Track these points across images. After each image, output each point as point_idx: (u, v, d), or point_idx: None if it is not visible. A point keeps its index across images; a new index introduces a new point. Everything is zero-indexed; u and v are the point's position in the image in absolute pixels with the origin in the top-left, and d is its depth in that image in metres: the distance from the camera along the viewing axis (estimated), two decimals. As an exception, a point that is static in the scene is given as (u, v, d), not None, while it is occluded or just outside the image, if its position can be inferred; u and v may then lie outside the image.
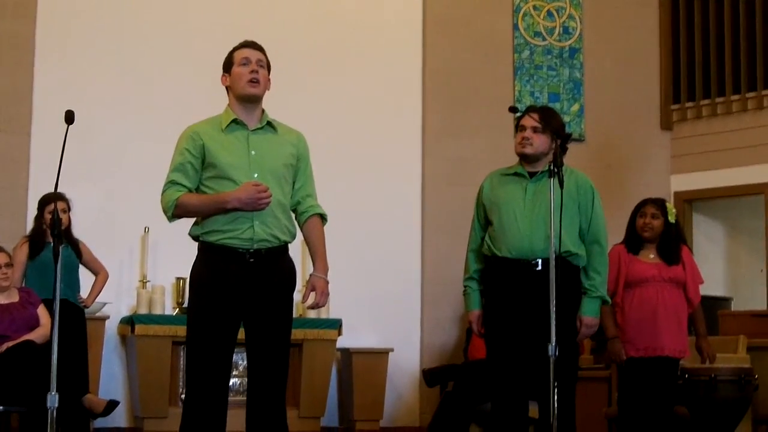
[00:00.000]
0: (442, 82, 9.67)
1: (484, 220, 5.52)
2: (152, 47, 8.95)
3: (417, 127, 9.61)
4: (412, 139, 9.58)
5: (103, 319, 8.25)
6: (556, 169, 4.99)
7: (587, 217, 5.36)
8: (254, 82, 4.62)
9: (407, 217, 9.48)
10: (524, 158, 5.44)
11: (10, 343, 6.48)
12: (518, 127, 5.46)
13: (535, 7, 10.00)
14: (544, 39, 9.99)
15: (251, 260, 4.52)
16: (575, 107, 9.97)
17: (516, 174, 5.45)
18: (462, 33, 9.75)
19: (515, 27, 9.94)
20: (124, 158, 8.73)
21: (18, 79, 8.62)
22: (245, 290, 4.52)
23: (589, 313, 5.33)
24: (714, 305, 8.85)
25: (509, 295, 5.29)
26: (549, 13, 10.04)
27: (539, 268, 5.23)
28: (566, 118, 9.74)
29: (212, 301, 4.52)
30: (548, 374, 4.89)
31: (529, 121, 5.40)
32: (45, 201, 7.20)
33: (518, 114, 5.50)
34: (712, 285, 9.49)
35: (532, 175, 5.40)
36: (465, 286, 5.58)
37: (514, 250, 5.29)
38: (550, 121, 5.40)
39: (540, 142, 5.38)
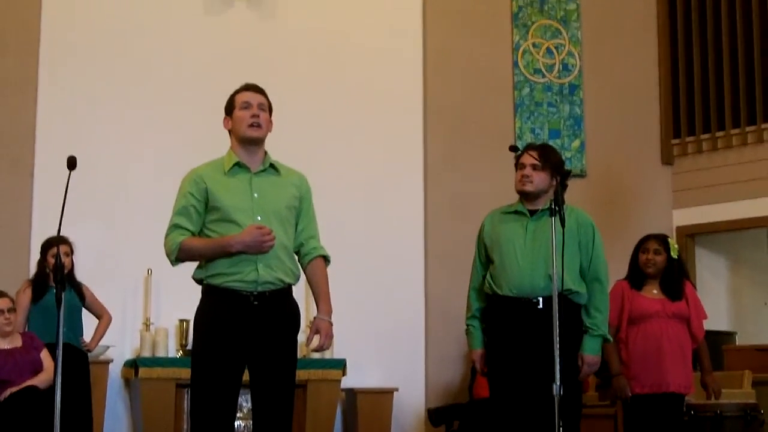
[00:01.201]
0: (443, 119, 9.69)
1: (485, 259, 5.53)
2: (155, 88, 8.98)
3: (419, 163, 9.62)
4: (413, 176, 9.59)
5: (107, 362, 8.22)
6: (557, 208, 4.99)
7: (588, 255, 5.37)
8: (255, 125, 4.64)
9: (410, 254, 9.46)
10: (524, 196, 5.46)
11: (14, 389, 6.47)
12: (518, 165, 5.48)
13: (534, 45, 10.04)
14: (543, 76, 10.03)
15: (255, 303, 4.53)
16: (576, 143, 9.99)
17: (516, 212, 5.46)
18: (462, 70, 9.79)
19: (515, 64, 9.98)
20: (126, 200, 8.74)
21: (21, 119, 8.64)
22: (250, 333, 4.52)
23: (590, 352, 5.33)
24: (718, 340, 8.83)
25: (511, 333, 5.29)
26: (548, 51, 10.08)
27: (540, 306, 5.23)
28: (567, 154, 9.76)
29: (217, 343, 4.52)
30: (552, 413, 4.87)
31: (529, 159, 5.42)
32: (48, 245, 7.20)
33: (518, 152, 5.52)
34: (716, 319, 9.47)
35: (532, 212, 5.41)
36: (467, 325, 5.58)
37: (515, 289, 5.29)
38: (550, 158, 5.42)
39: (540, 180, 5.39)
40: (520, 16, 10.02)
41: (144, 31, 9.05)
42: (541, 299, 5.24)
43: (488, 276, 5.45)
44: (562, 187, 5.26)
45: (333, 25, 9.53)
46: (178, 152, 8.34)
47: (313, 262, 4.75)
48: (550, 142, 8.96)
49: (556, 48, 10.08)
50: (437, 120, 9.68)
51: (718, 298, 10.48)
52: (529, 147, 5.54)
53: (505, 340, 5.33)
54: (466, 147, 9.68)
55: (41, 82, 8.73)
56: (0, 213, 8.49)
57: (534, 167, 5.39)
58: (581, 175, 9.84)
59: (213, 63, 9.03)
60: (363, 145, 9.43)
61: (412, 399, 9.19)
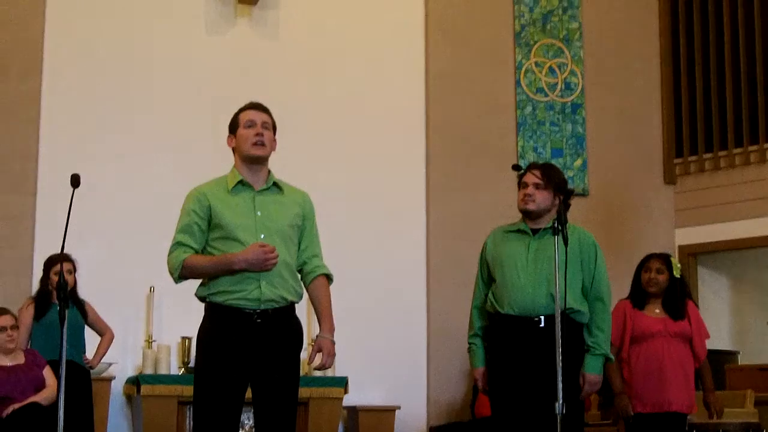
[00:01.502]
0: (446, 138, 9.71)
1: (487, 277, 5.54)
2: (158, 108, 9.01)
3: (421, 182, 9.63)
4: (416, 194, 9.61)
5: (109, 379, 8.23)
6: (560, 227, 5.00)
7: (590, 273, 5.37)
8: (259, 144, 4.65)
9: (412, 273, 9.47)
10: (527, 215, 5.46)
11: (16, 405, 6.47)
12: (520, 184, 5.49)
13: (536, 64, 10.07)
14: (546, 95, 10.06)
15: (258, 320, 4.53)
16: (578, 162, 10.01)
17: (519, 231, 5.47)
18: (465, 89, 9.81)
19: (517, 83, 10.01)
20: (129, 217, 8.75)
21: (24, 139, 8.66)
22: (253, 350, 4.52)
23: (592, 371, 5.33)
24: (720, 359, 8.82)
25: (513, 352, 5.29)
26: (551, 70, 10.11)
27: (542, 325, 5.23)
28: (569, 173, 9.78)
29: (220, 361, 4.52)
30: (554, 431, 4.87)
31: (531, 178, 5.43)
32: (51, 262, 7.21)
33: (520, 172, 5.53)
34: (719, 339, 9.48)
35: (534, 231, 5.42)
36: (469, 343, 5.58)
37: (517, 307, 5.29)
38: (552, 177, 5.43)
39: (542, 199, 5.40)
40: (522, 36, 10.05)
41: (146, 51, 9.08)
42: (542, 318, 5.24)
43: (490, 294, 5.45)
44: (565, 206, 5.27)
45: (335, 44, 9.56)
46: (180, 170, 8.38)
47: (316, 280, 4.75)
48: (553, 161, 8.98)
49: (559, 67, 10.11)
50: (439, 139, 9.70)
51: (720, 317, 10.48)
52: (531, 166, 5.54)
53: (506, 358, 5.33)
54: (469, 166, 9.70)
55: (44, 102, 8.76)
56: (3, 231, 8.51)
57: (537, 186, 5.40)
58: (583, 194, 9.85)
59: (215, 82, 9.06)
60: (365, 165, 9.45)
61: (414, 417, 9.18)
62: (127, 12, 9.10)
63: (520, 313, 5.28)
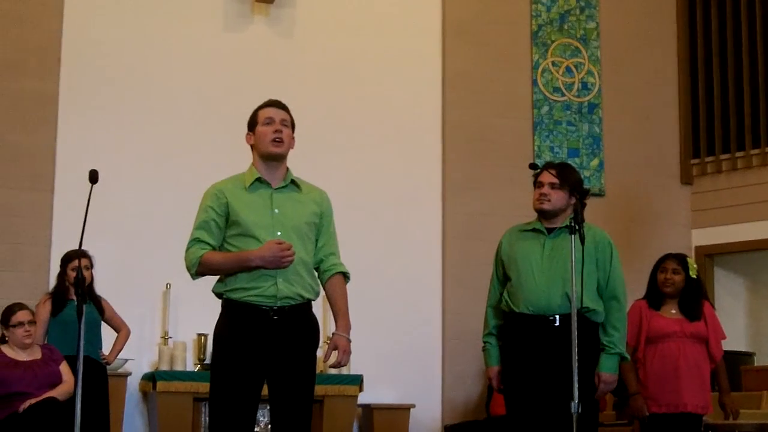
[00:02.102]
0: (462, 138, 9.70)
1: (502, 276, 5.54)
2: (175, 104, 9.04)
3: (437, 181, 9.63)
4: (432, 194, 9.61)
5: (125, 375, 8.26)
6: (577, 226, 5.00)
7: (605, 273, 5.37)
8: (278, 141, 4.66)
9: (428, 272, 9.47)
10: (542, 214, 5.46)
11: (33, 400, 6.49)
12: (536, 183, 5.49)
13: (553, 63, 10.06)
14: (563, 95, 10.04)
15: (275, 317, 4.54)
16: (595, 162, 9.99)
17: (534, 230, 5.47)
18: (481, 89, 9.81)
19: (534, 83, 10.00)
20: (145, 214, 8.78)
21: (42, 137, 8.70)
22: (269, 347, 4.53)
23: (607, 370, 5.32)
24: (736, 360, 8.80)
25: (528, 351, 5.30)
26: (568, 69, 10.10)
27: (557, 324, 5.24)
28: (586, 173, 9.76)
29: (236, 358, 4.53)
30: (568, 430, 4.87)
31: (547, 177, 5.43)
32: (68, 258, 7.24)
33: (537, 170, 5.54)
34: (734, 340, 9.44)
35: (550, 231, 5.42)
36: (484, 342, 5.59)
37: (532, 306, 5.30)
38: (568, 177, 5.43)
39: (557, 198, 5.40)
40: (539, 35, 10.04)
41: (164, 48, 9.11)
42: (557, 317, 5.25)
43: (505, 293, 5.46)
44: (581, 205, 5.27)
45: (351, 43, 9.57)
46: (197, 167, 8.40)
47: (333, 278, 4.76)
48: (569, 161, 8.96)
49: (576, 67, 10.10)
50: (456, 138, 9.69)
51: (736, 318, 10.44)
52: (547, 165, 5.54)
53: (521, 357, 5.33)
54: (485, 165, 9.69)
55: (62, 99, 8.79)
56: (20, 228, 8.55)
57: (552, 186, 5.40)
58: (600, 194, 9.84)
59: (232, 79, 9.09)
60: (381, 164, 9.45)
61: (428, 416, 9.19)
62: (144, 10, 9.13)
63: (535, 312, 5.29)
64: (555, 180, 5.40)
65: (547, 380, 5.20)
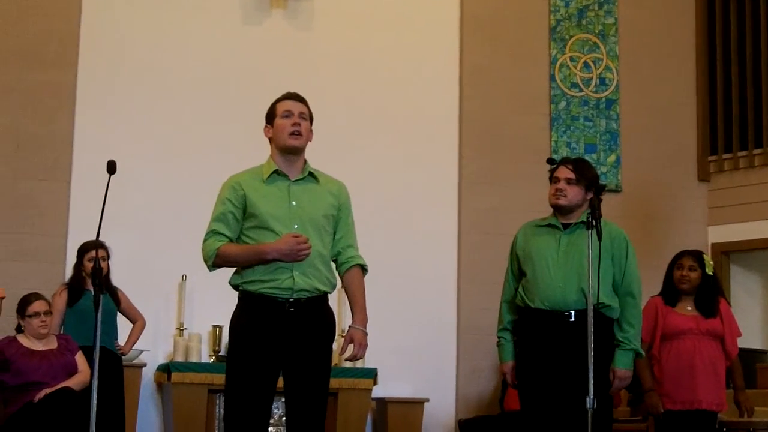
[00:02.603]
0: (479, 133, 9.69)
1: (517, 271, 5.54)
2: (192, 96, 9.05)
3: (453, 176, 9.62)
4: (448, 189, 9.60)
5: (140, 366, 8.28)
6: (594, 222, 4.99)
7: (621, 268, 5.36)
8: (296, 134, 4.66)
9: (443, 267, 9.47)
10: (558, 209, 5.46)
11: (48, 390, 6.51)
12: (552, 179, 5.48)
13: (571, 59, 10.03)
14: (580, 90, 10.02)
15: (291, 310, 4.55)
16: (612, 158, 9.97)
17: (550, 225, 5.46)
18: (499, 84, 9.79)
19: (552, 78, 9.97)
20: (162, 206, 8.81)
21: (59, 127, 8.74)
22: (285, 340, 4.54)
23: (622, 366, 5.32)
24: (752, 358, 8.77)
25: (543, 346, 5.29)
26: (585, 65, 10.07)
27: (572, 319, 5.23)
28: (603, 169, 9.74)
29: (252, 350, 4.54)
30: (583, 426, 4.87)
31: (563, 173, 5.42)
32: (85, 249, 7.26)
33: (553, 166, 5.53)
34: (750, 337, 9.40)
35: (565, 226, 5.41)
36: (498, 337, 5.59)
37: (547, 302, 5.29)
38: (584, 173, 5.42)
39: (573, 194, 5.39)
40: (557, 30, 10.02)
41: (182, 40, 9.13)
42: (573, 312, 5.24)
43: (520, 289, 5.45)
44: (598, 200, 5.26)
45: (369, 37, 9.56)
46: (214, 159, 8.42)
47: (350, 271, 4.75)
48: (586, 157, 8.94)
49: (594, 62, 10.08)
50: (473, 133, 9.68)
51: (752, 316, 10.40)
52: (564, 161, 5.53)
53: (536, 353, 5.33)
54: (502, 161, 9.67)
55: (79, 90, 8.83)
56: (37, 218, 8.59)
57: (568, 181, 5.39)
58: (617, 190, 9.81)
59: (250, 72, 9.10)
60: (398, 158, 9.45)
61: (442, 410, 9.19)
62: (163, 1, 9.15)
63: (551, 307, 5.28)
64: (571, 175, 5.39)
65: (561, 376, 5.20)
